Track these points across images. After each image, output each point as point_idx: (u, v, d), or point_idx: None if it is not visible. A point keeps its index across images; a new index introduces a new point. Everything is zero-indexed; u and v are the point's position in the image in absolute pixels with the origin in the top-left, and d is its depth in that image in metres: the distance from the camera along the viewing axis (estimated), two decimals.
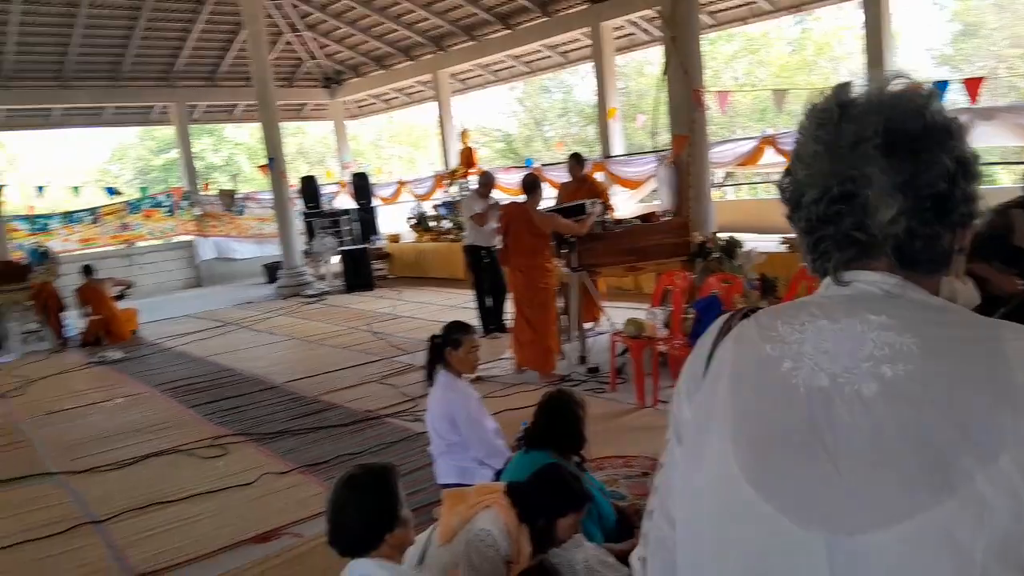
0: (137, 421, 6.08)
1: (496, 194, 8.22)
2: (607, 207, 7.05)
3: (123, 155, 30.19)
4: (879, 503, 0.71)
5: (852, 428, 0.74)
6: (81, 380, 7.97)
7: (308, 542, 3.58)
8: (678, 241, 6.61)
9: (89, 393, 7.24)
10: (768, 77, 22.36)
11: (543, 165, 13.02)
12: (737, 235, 6.56)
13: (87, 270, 10.11)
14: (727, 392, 0.83)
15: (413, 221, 14.15)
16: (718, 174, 11.23)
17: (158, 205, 15.67)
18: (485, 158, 20.13)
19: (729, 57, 23.66)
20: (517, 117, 29.72)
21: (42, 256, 10.28)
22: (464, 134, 13.93)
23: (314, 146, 30.09)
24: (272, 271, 14.36)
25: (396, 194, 16.21)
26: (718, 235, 6.79)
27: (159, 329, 10.47)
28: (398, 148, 31.28)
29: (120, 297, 10.20)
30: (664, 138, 9.83)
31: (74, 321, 10.22)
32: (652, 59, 20.28)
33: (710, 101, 8.98)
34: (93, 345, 9.63)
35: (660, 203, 9.26)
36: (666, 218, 7.80)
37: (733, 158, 9.88)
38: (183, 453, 5.13)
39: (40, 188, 12.48)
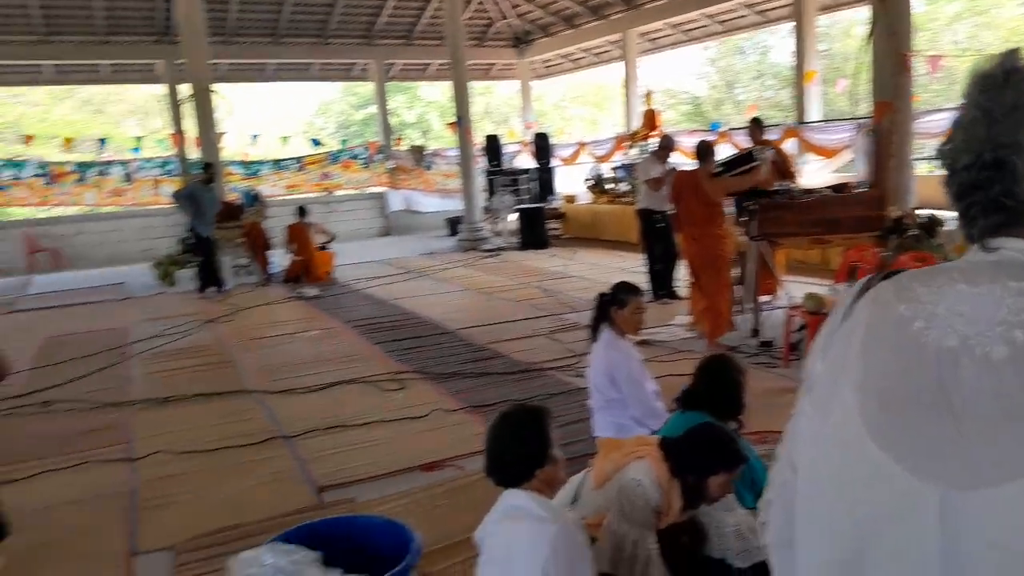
0: (327, 352, 6.64)
1: (677, 158, 8.06)
2: (786, 164, 6.72)
3: (327, 109, 32.34)
4: (998, 460, 0.71)
5: (978, 390, 0.74)
6: (281, 312, 8.79)
7: (470, 475, 3.79)
8: (871, 214, 6.17)
9: (288, 324, 8.00)
10: (995, 42, 20.05)
11: (731, 129, 12.55)
12: (940, 213, 6.05)
13: (301, 211, 11.03)
14: (858, 349, 0.84)
15: (590, 183, 14.17)
16: (928, 146, 10.32)
17: (355, 157, 16.75)
18: (669, 121, 19.68)
19: (951, 19, 21.44)
20: (707, 79, 28.69)
21: (253, 199, 11.34)
22: (648, 95, 13.68)
23: (500, 106, 30.72)
24: (454, 225, 14.97)
25: (575, 155, 16.28)
26: (917, 211, 6.29)
27: (351, 272, 11.28)
28: (581, 109, 31.24)
29: (323, 247, 11.05)
30: (867, 106, 9.15)
31: (279, 259, 11.25)
32: (861, 19, 18.79)
33: (921, 66, 8.23)
34: (293, 282, 10.55)
35: (856, 174, 8.67)
36: (861, 189, 7.30)
37: (943, 129, 9.02)
38: (366, 384, 5.57)
39: (255, 137, 13.72)
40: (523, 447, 2.09)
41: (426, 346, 6.63)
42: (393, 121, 18.51)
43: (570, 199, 14.48)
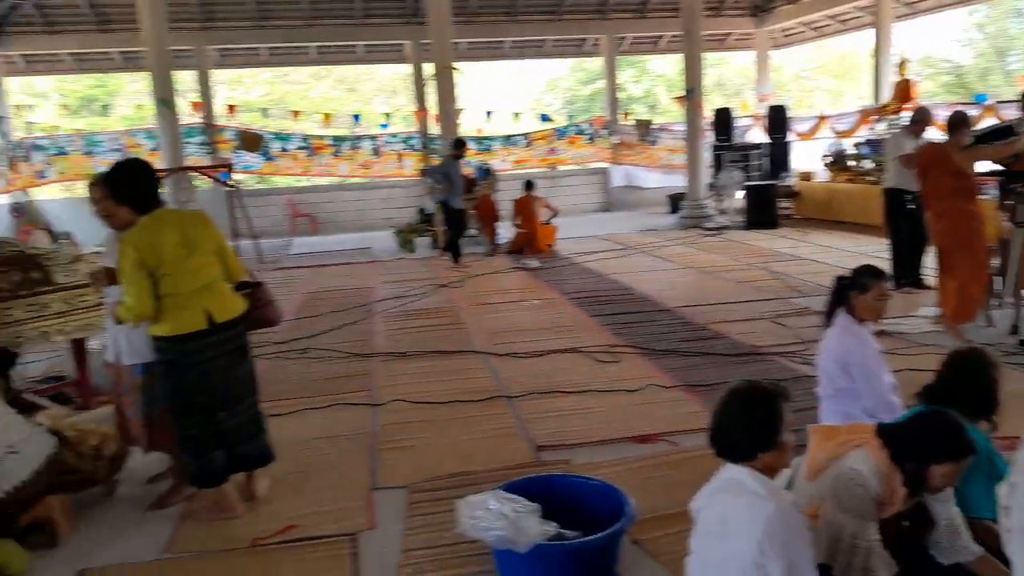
0: (547, 321, 6.89)
1: (932, 133, 7.34)
2: None
3: (555, 85, 32.92)
4: None
5: None
6: (506, 281, 9.21)
7: (682, 451, 3.80)
8: None
9: (511, 292, 8.37)
10: None
11: (998, 103, 11.15)
12: None
13: (528, 184, 11.47)
14: None
15: (829, 159, 13.24)
16: None
17: (581, 132, 16.98)
18: (926, 92, 17.79)
19: None
20: (974, 46, 25.54)
21: (486, 172, 11.90)
22: (902, 64, 12.49)
23: (733, 78, 29.51)
24: (676, 202, 14.72)
25: (814, 129, 15.27)
26: None
27: (571, 245, 11.52)
28: (823, 80, 29.16)
29: (547, 221, 11.40)
30: None
31: (505, 231, 11.76)
32: None
33: None
34: (517, 253, 11.00)
35: None
36: None
37: None
38: (582, 354, 5.72)
39: (489, 113, 14.36)
40: (751, 426, 2.08)
41: (642, 322, 6.65)
42: (620, 96, 18.46)
43: (805, 176, 13.66)
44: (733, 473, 2.06)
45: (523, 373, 5.34)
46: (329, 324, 7.16)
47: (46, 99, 23.17)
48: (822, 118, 15.20)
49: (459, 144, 10.93)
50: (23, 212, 14.27)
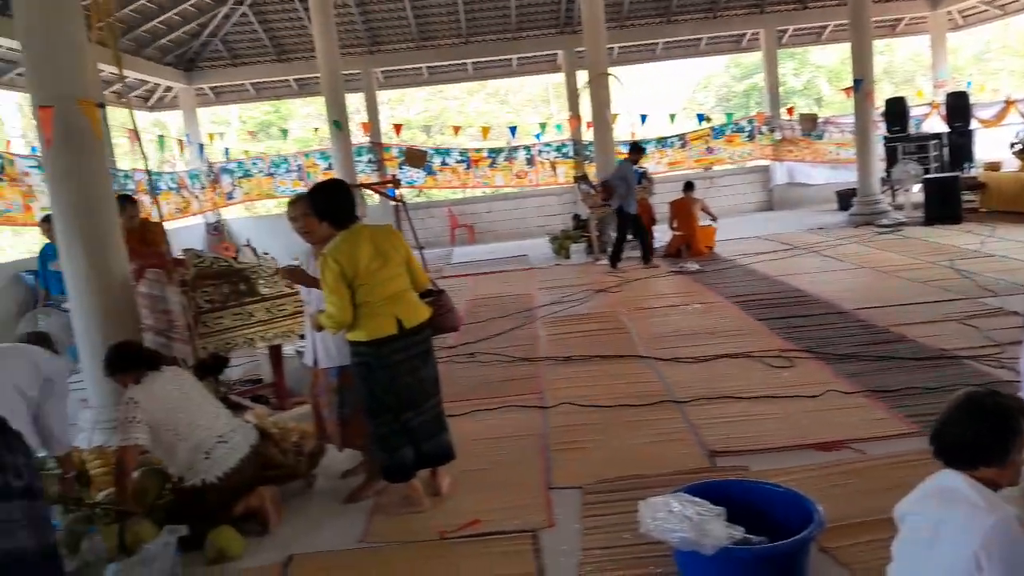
0: (710, 325, 6.76)
1: None
2: None
3: (708, 83, 32.13)
4: None
5: None
6: (664, 285, 9.11)
7: (870, 459, 3.64)
8: None
9: (671, 296, 8.28)
10: None
11: None
12: None
13: (688, 185, 11.29)
14: None
15: (1019, 147, 12.10)
16: None
17: (740, 130, 16.46)
18: None
19: None
20: None
21: (641, 176, 11.81)
22: None
23: (903, 64, 27.59)
24: (845, 198, 13.96)
25: (1001, 115, 14.02)
26: None
27: (732, 247, 11.21)
28: (1009, 61, 26.63)
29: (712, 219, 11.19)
30: None
31: (661, 235, 11.63)
32: None
33: None
34: (675, 256, 10.84)
35: None
36: None
37: None
38: (751, 359, 5.57)
39: (643, 117, 14.26)
40: (980, 436, 1.96)
41: (815, 325, 6.37)
42: (780, 90, 17.71)
43: (992, 166, 12.53)
44: (948, 480, 1.96)
45: (690, 378, 5.28)
46: (493, 330, 7.39)
47: (228, 126, 25.38)
48: (1009, 102, 13.94)
49: (636, 149, 10.87)
50: (220, 230, 15.71)
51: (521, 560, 3.12)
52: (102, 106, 4.29)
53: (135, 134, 4.24)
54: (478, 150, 16.68)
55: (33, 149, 10.79)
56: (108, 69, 10.24)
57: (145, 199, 11.02)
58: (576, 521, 3.39)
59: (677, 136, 16.47)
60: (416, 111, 30.07)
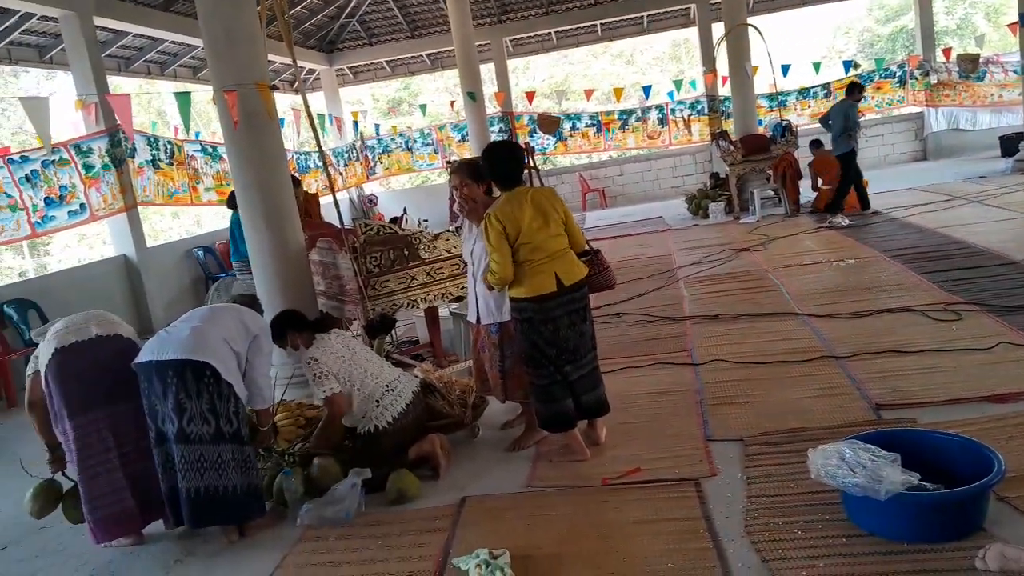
0: (867, 280, 6.52)
1: None
2: None
3: (849, 28, 30.21)
4: None
5: None
6: (813, 241, 8.81)
7: None
8: None
9: (822, 253, 8.01)
10: None
11: None
12: None
13: (815, 143, 10.86)
14: None
15: None
16: None
17: (890, 76, 15.47)
18: None
19: None
20: None
21: (784, 129, 11.39)
22: None
23: None
24: (1010, 143, 12.89)
25: None
26: None
27: (884, 200, 10.65)
28: None
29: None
30: None
31: (807, 190, 11.20)
32: None
33: None
34: (823, 212, 10.43)
35: None
36: None
37: None
38: (914, 313, 5.37)
39: (785, 68, 13.65)
40: None
41: (982, 277, 6.03)
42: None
43: None
44: None
45: (849, 333, 5.15)
46: (635, 291, 7.43)
47: (361, 105, 26.37)
48: None
49: (855, 88, 10.35)
50: (375, 202, 16.53)
51: (687, 505, 3.22)
52: (275, 88, 4.65)
53: (308, 116, 4.58)
54: (608, 113, 16.57)
55: (196, 135, 11.72)
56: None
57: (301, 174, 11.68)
58: (739, 471, 3.44)
59: (821, 86, 15.68)
60: (541, 78, 30.07)
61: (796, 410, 4.01)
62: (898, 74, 15.43)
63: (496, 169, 3.78)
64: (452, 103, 17.57)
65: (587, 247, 4.04)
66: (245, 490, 3.52)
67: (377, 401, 3.91)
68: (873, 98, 15.59)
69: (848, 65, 15.70)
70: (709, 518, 3.08)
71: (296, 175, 7.76)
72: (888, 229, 8.76)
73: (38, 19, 9.21)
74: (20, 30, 9.25)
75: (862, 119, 15.56)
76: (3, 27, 8.97)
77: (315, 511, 3.61)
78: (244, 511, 3.55)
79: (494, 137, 15.72)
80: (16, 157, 8.19)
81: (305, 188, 8.20)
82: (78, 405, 3.49)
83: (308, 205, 6.66)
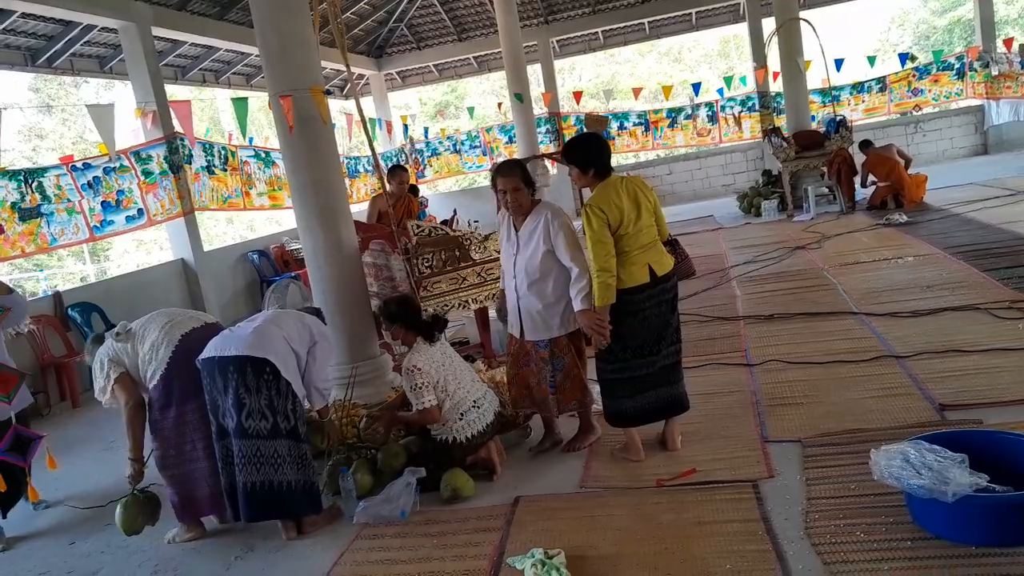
0: (927, 278, 6.34)
1: None
2: None
3: (904, 20, 29.46)
4: None
5: None
6: (870, 239, 8.60)
7: None
8: None
9: (880, 250, 7.81)
10: None
11: None
12: None
13: (865, 144, 10.58)
14: None
15: None
16: None
17: (948, 68, 15.02)
18: None
19: None
20: None
21: (837, 125, 11.15)
22: None
23: None
24: None
25: None
26: None
27: (944, 196, 10.35)
28: None
29: (907, 163, 10.39)
30: None
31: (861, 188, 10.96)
32: None
33: None
34: (879, 208, 10.18)
35: None
36: None
37: None
38: (978, 311, 5.21)
39: (838, 63, 13.36)
40: None
41: None
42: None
43: None
44: None
45: (910, 332, 5.02)
46: (687, 290, 7.33)
47: (408, 109, 26.62)
48: None
49: None
50: (425, 205, 16.68)
51: (744, 507, 3.17)
52: (329, 93, 4.73)
53: (362, 120, 4.64)
54: (657, 111, 16.43)
55: (250, 140, 11.96)
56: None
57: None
58: (797, 473, 3.38)
59: (875, 80, 15.30)
60: (587, 78, 29.98)
61: (856, 411, 3.92)
62: (956, 66, 14.96)
63: (596, 158, 3.71)
64: (499, 104, 17.62)
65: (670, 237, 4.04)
66: (300, 486, 3.58)
67: (462, 415, 3.85)
68: (931, 91, 15.15)
69: (904, 58, 15.28)
70: (767, 520, 3.03)
71: (402, 164, 7.84)
72: (948, 225, 8.50)
73: (99, 31, 9.51)
74: (82, 42, 9.57)
75: (919, 112, 15.27)
76: (66, 39, 9.29)
77: (371, 509, 3.66)
78: (299, 507, 3.61)
79: (541, 138, 15.71)
80: (79, 164, 8.48)
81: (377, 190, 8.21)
82: (195, 389, 3.62)
83: (410, 203, 6.53)
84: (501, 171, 3.93)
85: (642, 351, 3.71)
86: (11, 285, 3.98)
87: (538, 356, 3.97)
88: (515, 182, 3.83)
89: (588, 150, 3.75)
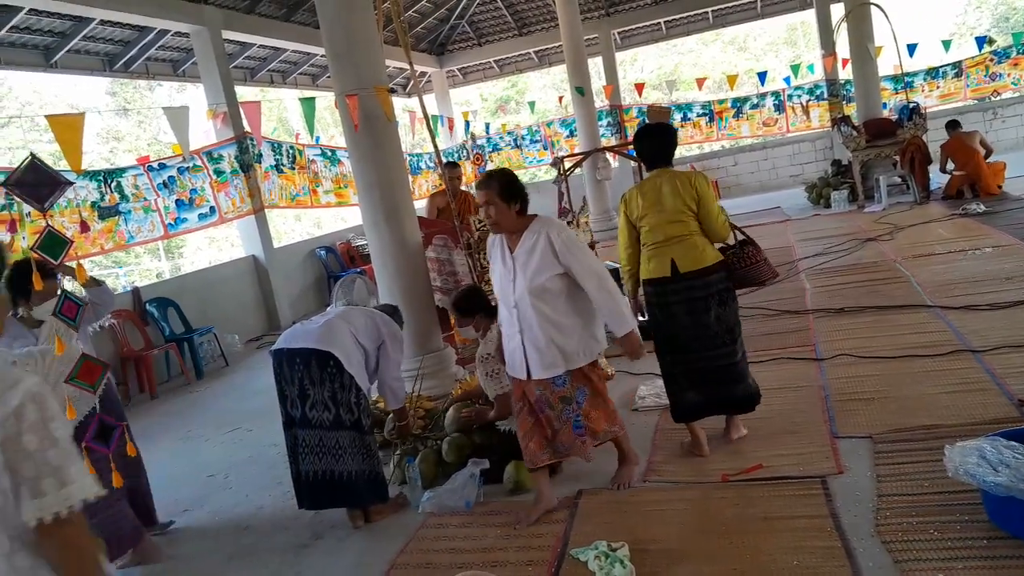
0: (1007, 269, 6.09)
1: None
2: None
3: (981, 2, 28.23)
4: None
5: None
6: (945, 229, 8.29)
7: None
8: None
9: (956, 241, 7.53)
10: None
11: None
12: None
13: (951, 125, 10.20)
14: None
15: None
16: None
17: None
18: None
19: None
20: None
21: (911, 112, 10.78)
22: None
23: None
24: None
25: None
26: None
27: (1023, 184, 9.93)
28: None
29: (987, 154, 9.97)
30: None
31: (937, 175, 10.56)
32: None
33: None
34: (955, 198, 9.81)
35: None
36: None
37: None
38: None
39: (911, 47, 12.90)
40: None
41: None
42: None
43: None
44: None
45: (986, 326, 4.83)
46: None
47: (469, 105, 26.82)
48: None
49: None
50: None
51: (812, 503, 3.11)
52: (393, 91, 4.81)
53: (425, 118, 4.70)
54: (721, 101, 16.16)
55: (316, 139, 12.24)
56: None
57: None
58: (868, 469, 3.30)
59: (950, 65, 14.72)
60: (650, 69, 29.64)
61: (929, 406, 3.80)
62: None
63: (641, 151, 3.78)
64: (560, 98, 17.57)
65: (733, 240, 3.78)
66: (363, 476, 3.66)
67: None
68: (1010, 76, 14.50)
69: (982, 41, 14.65)
70: (836, 516, 2.98)
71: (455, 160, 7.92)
72: None
73: (172, 35, 9.86)
74: (156, 46, 9.94)
75: (997, 98, 14.62)
76: (141, 44, 9.66)
77: (436, 499, 3.73)
78: (362, 496, 3.69)
79: (603, 132, 15.61)
80: (155, 165, 8.82)
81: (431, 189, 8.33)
82: None
83: (466, 200, 6.43)
84: (478, 183, 3.47)
85: (674, 345, 3.69)
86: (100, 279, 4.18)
87: (555, 395, 3.40)
88: (488, 195, 3.31)
89: (637, 142, 3.80)
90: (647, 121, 15.90)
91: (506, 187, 3.32)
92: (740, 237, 3.82)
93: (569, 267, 3.27)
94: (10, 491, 1.40)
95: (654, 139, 3.73)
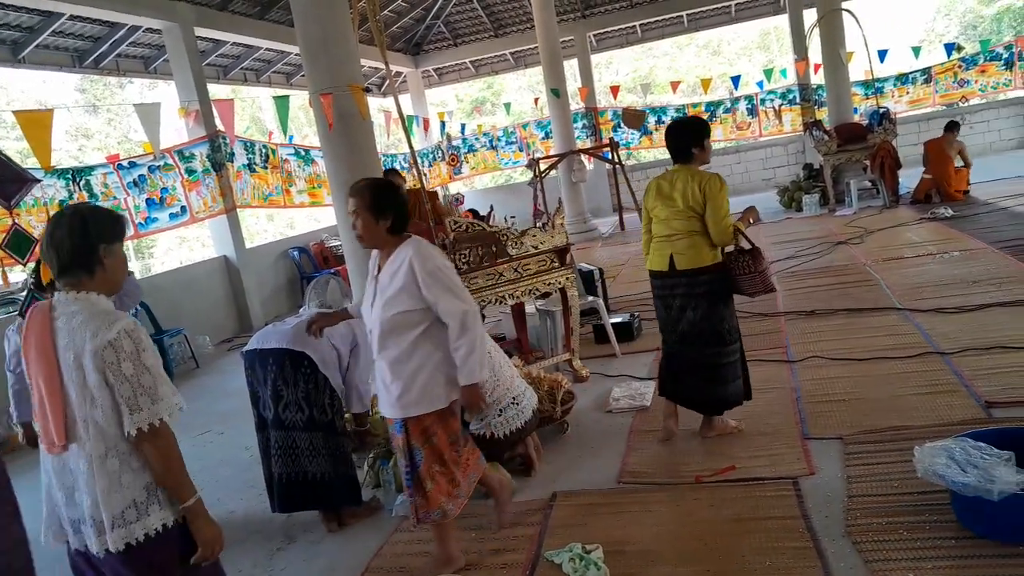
0: (973, 273, 6.20)
1: None
2: None
3: (950, 9, 28.74)
4: None
5: None
6: (914, 233, 8.43)
7: None
8: None
9: (924, 245, 7.66)
10: None
11: None
12: None
13: (951, 125, 10.16)
14: None
15: None
16: None
17: (996, 58, 14.63)
18: None
19: None
20: None
21: (881, 117, 10.93)
22: None
23: None
24: None
25: None
26: None
27: (990, 189, 10.12)
28: None
29: (964, 165, 10.12)
30: None
31: (907, 180, 10.72)
32: None
33: None
34: (924, 202, 9.97)
35: None
36: None
37: None
38: None
39: (882, 54, 13.09)
40: None
41: None
42: None
43: None
44: None
45: (955, 329, 4.92)
46: None
47: (445, 106, 26.79)
48: None
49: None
50: (462, 201, 16.76)
51: (784, 504, 3.14)
52: (368, 91, 4.79)
53: (400, 118, 4.67)
54: (695, 105, 16.28)
55: (290, 138, 12.13)
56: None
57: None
58: (839, 470, 3.34)
59: (920, 71, 14.97)
60: (625, 72, 29.77)
61: (899, 408, 3.86)
62: (1005, 56, 14.57)
63: (666, 144, 3.87)
64: (536, 100, 17.59)
65: (734, 246, 3.75)
66: (335, 478, 3.63)
67: (500, 410, 3.75)
68: (977, 82, 14.78)
69: (951, 48, 14.94)
70: (808, 517, 3.01)
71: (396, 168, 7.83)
72: (996, 219, 8.30)
73: (143, 32, 9.72)
74: (127, 43, 9.79)
75: (965, 104, 14.90)
76: (112, 40, 9.51)
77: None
78: (335, 499, 3.66)
79: (578, 134, 15.66)
80: (125, 163, 8.69)
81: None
82: None
83: (433, 205, 6.39)
84: (350, 188, 2.97)
85: (668, 333, 3.92)
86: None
87: (397, 440, 3.02)
88: (356, 203, 2.86)
89: (665, 136, 3.91)
90: (623, 125, 16.01)
91: (377, 199, 2.83)
92: (747, 246, 3.77)
93: (434, 303, 2.81)
94: (110, 407, 1.86)
95: (671, 135, 3.83)
